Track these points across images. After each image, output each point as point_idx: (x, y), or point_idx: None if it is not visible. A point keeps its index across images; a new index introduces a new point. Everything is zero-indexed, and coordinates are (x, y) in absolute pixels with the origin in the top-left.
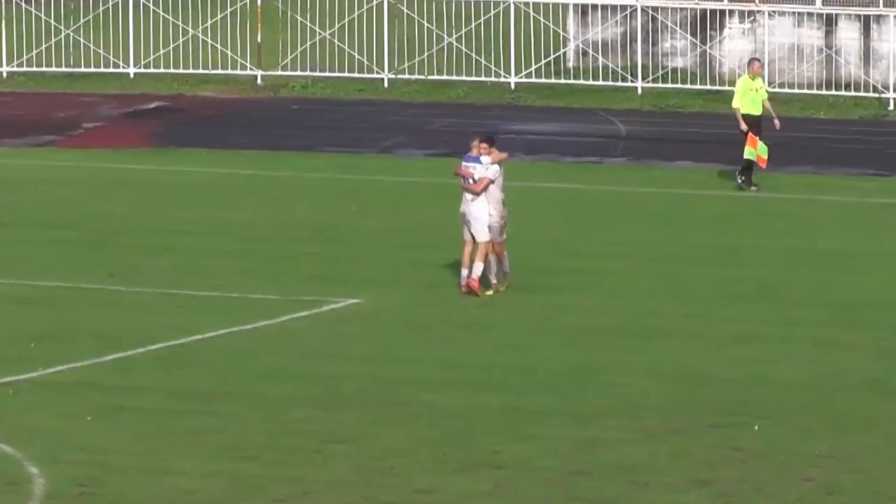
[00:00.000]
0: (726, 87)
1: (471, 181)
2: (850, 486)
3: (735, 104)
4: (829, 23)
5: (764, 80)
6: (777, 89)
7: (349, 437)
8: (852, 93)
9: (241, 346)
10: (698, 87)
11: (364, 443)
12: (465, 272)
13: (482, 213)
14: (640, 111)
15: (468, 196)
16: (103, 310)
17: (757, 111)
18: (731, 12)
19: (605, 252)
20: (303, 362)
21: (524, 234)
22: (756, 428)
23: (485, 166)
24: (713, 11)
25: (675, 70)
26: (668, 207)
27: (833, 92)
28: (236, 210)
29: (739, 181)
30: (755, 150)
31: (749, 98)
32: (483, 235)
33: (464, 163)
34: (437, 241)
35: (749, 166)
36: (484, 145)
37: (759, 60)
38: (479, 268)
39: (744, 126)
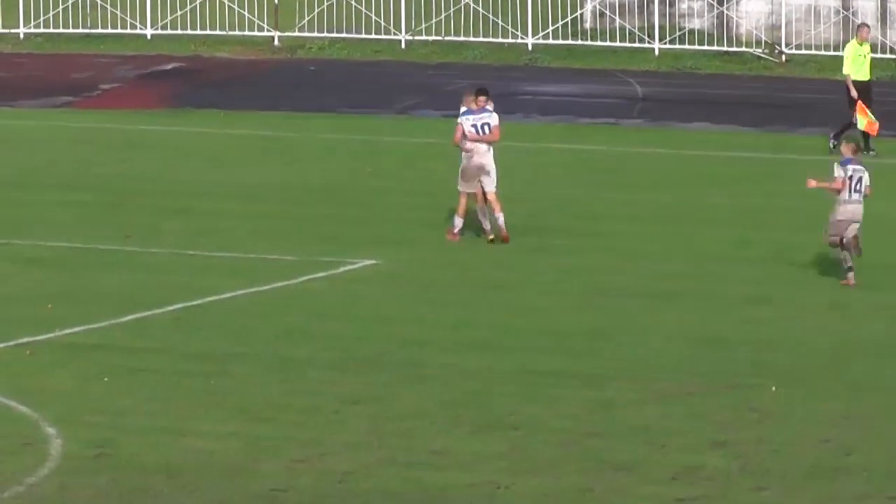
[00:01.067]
0: (743, 49)
1: (486, 131)
2: (866, 447)
3: (846, 70)
4: None
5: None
6: (794, 51)
7: (365, 398)
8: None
9: (257, 307)
10: (715, 48)
11: (380, 404)
12: (459, 222)
13: (493, 164)
14: (656, 72)
15: (482, 148)
16: (120, 271)
17: (866, 77)
18: None
19: (621, 214)
20: (319, 323)
21: (540, 195)
22: (773, 389)
23: (491, 114)
24: None
25: (692, 31)
26: (683, 169)
27: None
28: (253, 171)
29: (831, 144)
30: (865, 117)
31: (858, 64)
32: (494, 186)
33: (471, 116)
34: (453, 203)
35: (863, 133)
36: (482, 97)
37: (867, 26)
38: (502, 218)
39: (854, 93)
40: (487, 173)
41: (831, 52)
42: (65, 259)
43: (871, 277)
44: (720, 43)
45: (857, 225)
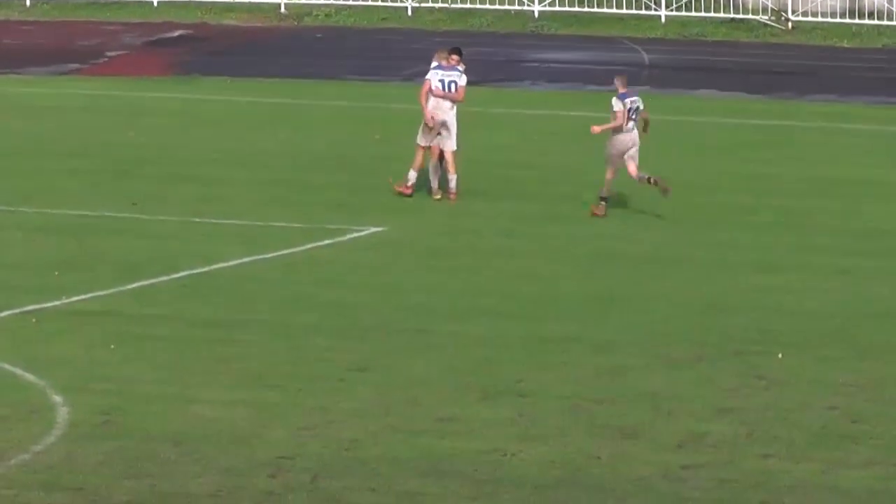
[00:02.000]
0: (749, 16)
1: (452, 89)
2: (873, 414)
3: None
4: None
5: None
6: (801, 18)
7: (372, 365)
8: (876, 21)
9: (264, 274)
10: (722, 15)
11: (387, 371)
12: (413, 175)
13: (455, 123)
14: (663, 39)
15: (446, 105)
16: (126, 238)
17: None
18: None
19: (628, 181)
20: (325, 291)
21: (547, 162)
22: (779, 356)
23: (461, 74)
24: None
25: None
26: (690, 136)
27: (857, 21)
28: (259, 138)
29: None
30: None
31: None
32: (454, 145)
33: (440, 71)
34: (460, 170)
35: None
36: (455, 56)
37: None
38: (454, 180)
39: None
40: (448, 131)
41: (837, 20)
42: (71, 227)
43: (879, 243)
44: (727, 10)
45: (636, 147)
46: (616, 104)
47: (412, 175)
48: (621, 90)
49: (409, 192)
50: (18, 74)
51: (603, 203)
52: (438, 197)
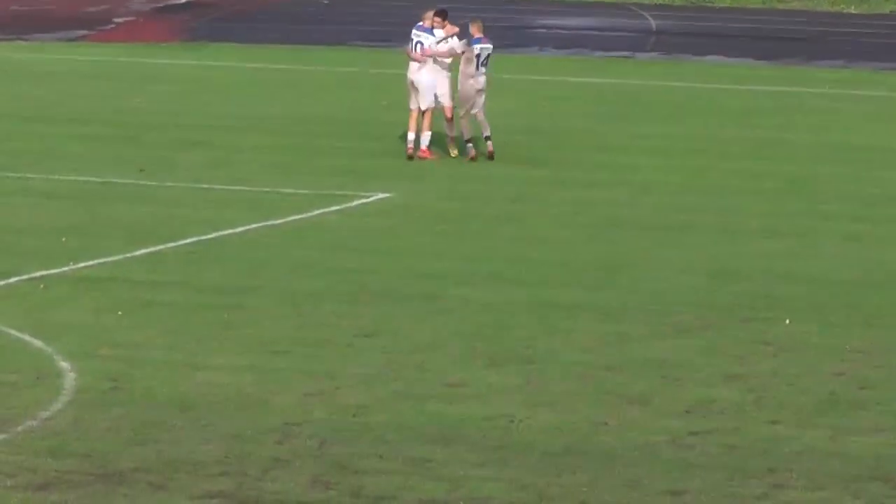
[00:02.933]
0: None
1: (418, 50)
2: (881, 381)
3: None
4: None
5: None
6: None
7: (379, 331)
8: None
9: (271, 240)
10: None
11: (394, 337)
12: (410, 136)
13: (429, 82)
14: (671, 6)
15: (414, 66)
16: (134, 204)
17: None
18: None
19: (636, 146)
20: (333, 256)
21: (555, 128)
22: (787, 322)
23: (437, 38)
24: None
25: None
26: (698, 102)
27: None
28: (267, 104)
29: None
30: None
31: None
32: (428, 103)
33: (417, 32)
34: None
35: None
36: (437, 19)
37: None
38: (426, 137)
39: None
40: (416, 90)
41: None
42: (79, 192)
43: (887, 209)
44: None
45: (484, 93)
46: (462, 45)
47: (409, 137)
48: (476, 35)
49: (425, 154)
50: (26, 41)
51: (470, 146)
52: (454, 154)
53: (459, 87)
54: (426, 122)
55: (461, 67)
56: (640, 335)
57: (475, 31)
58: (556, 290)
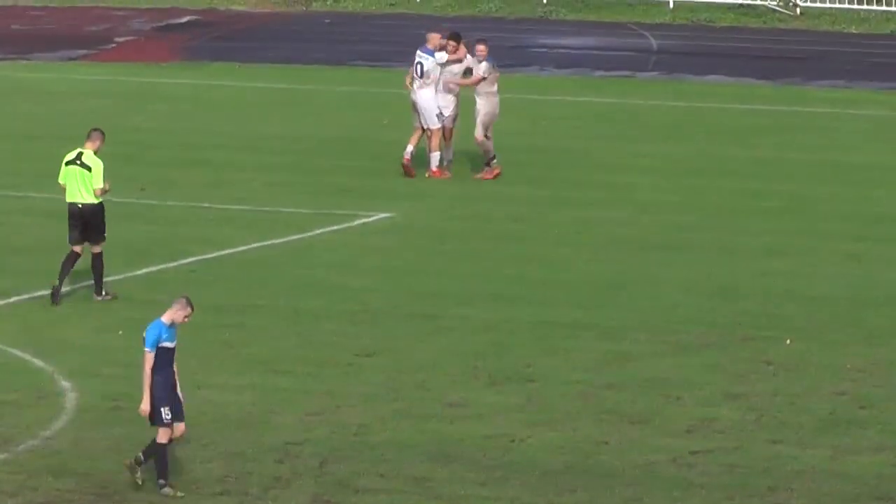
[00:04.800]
0: (757, 1)
1: (418, 71)
2: (881, 400)
3: None
4: None
5: None
6: (809, 4)
7: (380, 350)
8: (884, 7)
9: (272, 259)
10: (730, 0)
11: (395, 356)
12: (409, 148)
13: (429, 103)
14: (671, 25)
15: (415, 84)
16: (135, 223)
17: None
18: None
19: (636, 166)
20: (334, 276)
21: (555, 147)
22: (788, 342)
23: (437, 60)
24: None
25: None
26: (698, 121)
27: (864, 6)
28: (268, 124)
29: None
30: None
31: None
32: (432, 123)
33: (419, 53)
34: (469, 155)
35: None
36: (452, 43)
37: None
38: (435, 158)
39: None
40: (416, 112)
41: (845, 5)
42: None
43: (887, 228)
44: None
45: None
46: (485, 69)
47: (409, 149)
48: (487, 54)
49: (436, 174)
50: (27, 60)
51: (496, 161)
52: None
53: (489, 109)
54: (434, 142)
55: (487, 88)
56: (640, 354)
57: (485, 50)
58: (556, 309)
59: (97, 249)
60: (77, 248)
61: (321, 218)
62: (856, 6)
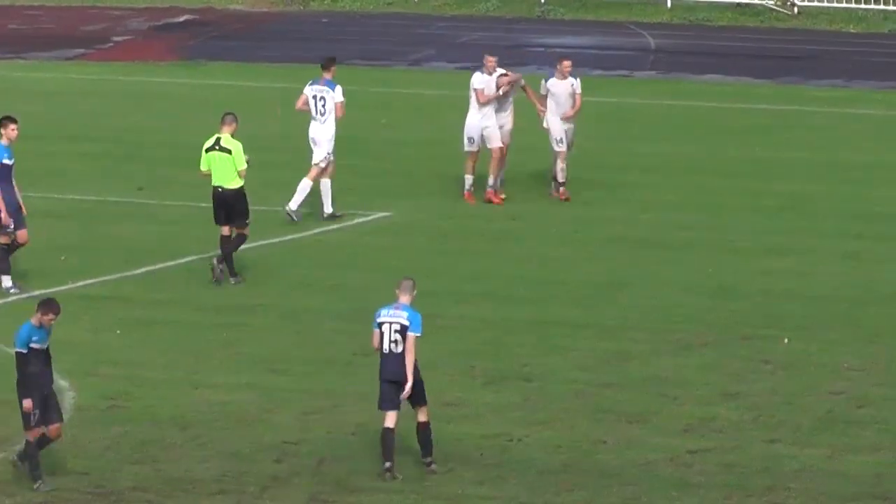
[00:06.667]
0: (755, 1)
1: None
2: (879, 398)
3: None
4: None
5: None
6: (807, 3)
7: None
8: (881, 6)
9: (271, 258)
10: (727, 0)
11: None
12: (469, 178)
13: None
14: (669, 24)
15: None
16: (133, 223)
17: None
18: None
19: (635, 165)
20: (333, 275)
21: None
22: (786, 341)
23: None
24: None
25: None
26: (697, 120)
27: (862, 5)
28: (266, 123)
29: None
30: None
31: None
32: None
33: (477, 73)
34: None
35: None
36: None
37: None
38: (492, 180)
39: None
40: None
41: (843, 5)
42: (78, 211)
43: (886, 227)
44: None
45: None
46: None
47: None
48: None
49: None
50: (24, 59)
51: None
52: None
53: (559, 132)
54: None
55: (542, 103)
56: (638, 353)
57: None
58: (554, 308)
59: (242, 231)
60: (225, 230)
61: (319, 217)
62: (853, 5)
